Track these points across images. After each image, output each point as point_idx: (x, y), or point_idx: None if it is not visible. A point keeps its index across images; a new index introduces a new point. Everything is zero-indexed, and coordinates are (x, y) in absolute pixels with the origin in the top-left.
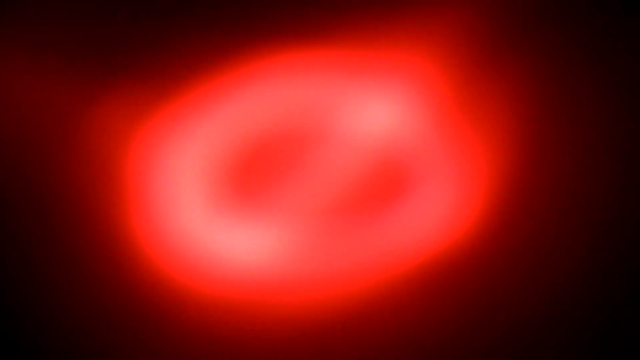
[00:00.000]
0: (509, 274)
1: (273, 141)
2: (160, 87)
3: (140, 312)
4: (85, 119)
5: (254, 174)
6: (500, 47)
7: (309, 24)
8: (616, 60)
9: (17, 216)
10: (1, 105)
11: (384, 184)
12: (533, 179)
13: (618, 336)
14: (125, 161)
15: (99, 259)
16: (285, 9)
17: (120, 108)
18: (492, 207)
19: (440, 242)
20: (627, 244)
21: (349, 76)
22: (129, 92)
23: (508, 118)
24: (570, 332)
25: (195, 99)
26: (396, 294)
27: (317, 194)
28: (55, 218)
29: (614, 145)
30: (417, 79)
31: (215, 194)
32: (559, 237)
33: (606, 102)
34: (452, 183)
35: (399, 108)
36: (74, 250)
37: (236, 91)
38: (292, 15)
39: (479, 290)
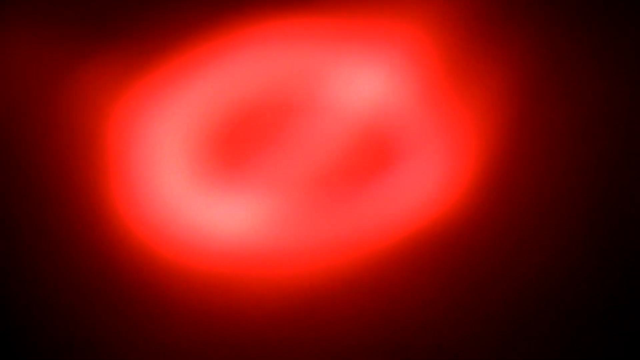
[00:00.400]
0: (497, 247)
1: (258, 111)
2: (142, 55)
3: (122, 285)
4: (65, 87)
5: (238, 145)
6: (493, 16)
7: None
8: (611, 35)
9: None
10: None
11: (372, 155)
12: (522, 151)
13: (608, 307)
14: (106, 130)
15: (79, 230)
16: None
17: (102, 76)
18: (480, 180)
19: (429, 215)
20: (616, 216)
21: (337, 44)
22: (110, 60)
23: (499, 90)
24: (560, 306)
25: (178, 67)
26: (383, 267)
27: (303, 165)
28: (34, 188)
29: (606, 118)
30: (407, 49)
31: (198, 164)
32: (547, 210)
33: (600, 75)
34: (441, 155)
35: (388, 78)
36: (54, 220)
37: (221, 59)
38: None
39: (467, 263)
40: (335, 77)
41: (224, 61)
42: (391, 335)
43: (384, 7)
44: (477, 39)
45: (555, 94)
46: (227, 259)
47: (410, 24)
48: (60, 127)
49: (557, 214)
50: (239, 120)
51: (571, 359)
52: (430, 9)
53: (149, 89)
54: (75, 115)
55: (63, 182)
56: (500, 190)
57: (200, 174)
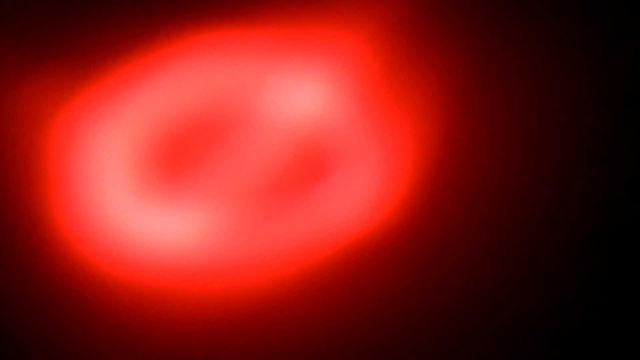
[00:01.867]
0: (434, 254)
1: (197, 123)
2: (82, 68)
3: (62, 300)
4: (5, 100)
5: (178, 158)
6: (428, 26)
7: (231, 1)
8: (545, 33)
9: None
10: None
11: (309, 166)
12: (457, 162)
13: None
14: (46, 144)
15: (19, 244)
16: None
17: (41, 89)
18: (417, 188)
19: (367, 224)
20: (552, 223)
21: (272, 56)
22: (50, 73)
23: (434, 99)
24: (496, 317)
25: (118, 81)
26: (321, 278)
27: (242, 178)
28: None
29: (543, 126)
30: (342, 59)
31: (138, 178)
32: (484, 217)
33: (536, 78)
34: (377, 166)
35: (323, 89)
36: None
37: (159, 72)
38: None
39: (404, 271)
40: (272, 88)
41: (162, 74)
42: (331, 347)
43: (318, 17)
44: (411, 47)
45: (491, 102)
46: (168, 273)
47: (344, 34)
48: (1, 140)
49: (494, 221)
50: (178, 133)
51: None
52: (364, 19)
53: (89, 102)
54: (15, 127)
55: (2, 195)
56: (436, 198)
57: (141, 187)
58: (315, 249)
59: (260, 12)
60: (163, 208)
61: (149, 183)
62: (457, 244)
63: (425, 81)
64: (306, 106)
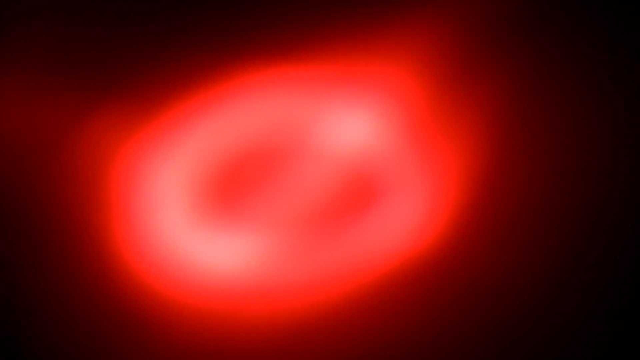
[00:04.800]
0: (476, 283)
1: (252, 155)
2: (143, 104)
3: (125, 326)
4: (70, 134)
5: (234, 188)
6: (476, 60)
7: (283, 41)
8: (594, 67)
9: (1, 231)
10: None
11: (357, 195)
12: (502, 190)
13: (595, 341)
14: (109, 176)
15: (84, 274)
16: (262, 26)
17: (104, 124)
18: (461, 217)
19: (411, 251)
20: (601, 251)
21: (324, 91)
22: (112, 108)
23: (479, 130)
24: (544, 341)
25: (178, 116)
26: (367, 302)
27: (293, 206)
28: (39, 233)
29: (591, 154)
30: (389, 92)
31: (197, 207)
32: (528, 247)
33: (585, 110)
34: (423, 194)
35: (372, 121)
36: (59, 265)
37: (217, 107)
38: (269, 32)
39: (446, 299)
40: (323, 121)
41: (220, 109)
42: None
43: (367, 52)
44: (456, 80)
45: (539, 133)
46: (226, 296)
47: (391, 68)
48: (66, 173)
49: (542, 249)
50: (234, 165)
51: None
52: (410, 54)
53: (151, 137)
54: (81, 161)
55: (68, 227)
56: (480, 225)
57: (199, 216)
58: (362, 274)
59: (313, 50)
60: (220, 235)
61: (208, 212)
62: (500, 270)
63: (470, 112)
64: (355, 138)
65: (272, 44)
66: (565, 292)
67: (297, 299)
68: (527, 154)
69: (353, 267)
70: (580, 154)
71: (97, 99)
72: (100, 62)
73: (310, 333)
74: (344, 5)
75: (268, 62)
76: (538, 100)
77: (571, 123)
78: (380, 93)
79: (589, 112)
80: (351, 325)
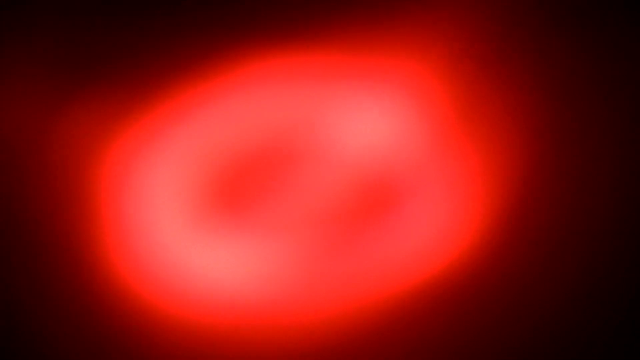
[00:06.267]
0: (506, 296)
1: (258, 154)
2: (137, 97)
3: (114, 339)
4: (56, 130)
5: (238, 189)
6: (503, 54)
7: (296, 26)
8: (630, 67)
9: None
10: None
11: (377, 200)
12: (534, 195)
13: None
14: (98, 175)
15: (72, 281)
16: (272, 10)
17: (95, 118)
18: (490, 227)
19: (436, 261)
20: (634, 262)
21: (340, 84)
22: (103, 101)
23: (510, 131)
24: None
25: (174, 109)
26: (391, 315)
27: (305, 210)
28: (23, 235)
29: (624, 161)
30: (413, 88)
31: (196, 211)
32: (561, 257)
33: (617, 114)
34: (449, 199)
35: (391, 119)
36: (44, 272)
37: (218, 100)
38: (280, 17)
39: (473, 316)
40: (337, 117)
41: (221, 102)
42: None
43: (388, 45)
44: (485, 77)
45: (570, 134)
46: (228, 310)
47: (414, 61)
48: (51, 173)
49: (573, 260)
50: (238, 164)
51: None
52: (436, 47)
53: (144, 131)
54: (67, 159)
55: (54, 228)
56: (511, 236)
57: (199, 220)
58: (380, 288)
59: (327, 39)
60: (223, 242)
61: (208, 216)
62: (532, 285)
63: (498, 112)
64: (373, 137)
65: (281, 30)
66: (601, 305)
67: (305, 315)
68: (560, 156)
69: (369, 282)
70: (617, 157)
71: (86, 90)
72: (93, 51)
73: (320, 353)
74: None
75: (276, 51)
76: (571, 99)
77: (608, 123)
78: (401, 89)
79: (626, 111)
80: (364, 344)
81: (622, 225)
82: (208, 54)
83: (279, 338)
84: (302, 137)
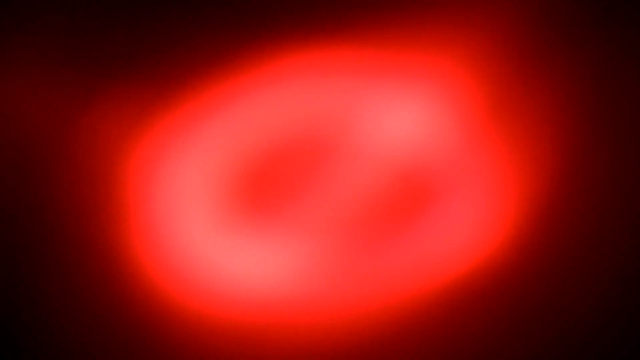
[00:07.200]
0: (541, 294)
1: (287, 151)
2: (163, 93)
3: (143, 337)
4: (83, 127)
5: (266, 188)
6: (539, 50)
7: (327, 20)
8: None
9: (10, 232)
10: None
11: (408, 198)
12: (569, 196)
13: None
14: (126, 172)
15: (99, 278)
16: (302, 4)
17: (121, 115)
18: (524, 225)
19: (470, 259)
20: None
21: (370, 79)
22: (129, 99)
23: (545, 129)
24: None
25: (202, 105)
26: (419, 316)
27: (334, 209)
28: (51, 233)
29: None
30: (445, 84)
31: (223, 209)
32: (596, 251)
33: None
34: (482, 199)
35: (426, 116)
36: (71, 270)
37: (246, 96)
38: (310, 11)
39: (507, 313)
40: (368, 113)
41: (250, 98)
42: None
43: (420, 39)
44: (520, 73)
45: (607, 133)
46: (256, 308)
47: (448, 57)
48: (78, 170)
49: (609, 260)
50: (266, 160)
51: None
52: (469, 42)
53: (170, 129)
54: (94, 157)
55: (81, 227)
56: (546, 233)
57: (226, 218)
58: (413, 286)
59: (360, 33)
60: (251, 240)
61: (236, 214)
62: (566, 285)
63: (534, 109)
64: (406, 132)
65: (312, 24)
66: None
67: (334, 315)
68: (594, 152)
69: (401, 281)
70: None
71: (112, 88)
72: (120, 50)
73: (348, 353)
74: None
75: (307, 45)
76: (609, 97)
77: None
78: (434, 85)
79: None
80: (397, 343)
81: None
82: (236, 50)
83: (305, 337)
84: (332, 134)
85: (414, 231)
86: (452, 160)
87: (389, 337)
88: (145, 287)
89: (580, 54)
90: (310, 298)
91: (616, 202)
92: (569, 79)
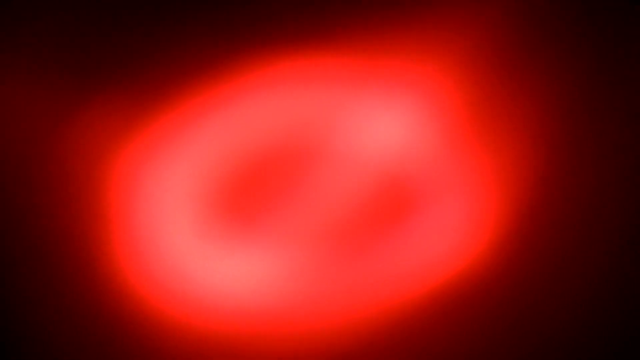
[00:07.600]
0: (523, 302)
1: (271, 159)
2: (146, 102)
3: (124, 346)
4: (66, 135)
5: (249, 195)
6: (520, 57)
7: (309, 29)
8: None
9: None
10: None
11: (391, 206)
12: (550, 201)
13: None
14: (109, 181)
15: (80, 287)
16: (284, 13)
17: (105, 124)
18: (507, 231)
19: (451, 268)
20: None
21: (354, 87)
22: (113, 107)
23: (526, 136)
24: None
25: (186, 114)
26: (403, 324)
27: (318, 217)
28: (32, 241)
29: None
30: (428, 91)
31: (206, 217)
32: (576, 261)
33: (634, 118)
34: (464, 205)
35: (408, 123)
36: (52, 277)
37: (230, 105)
38: (294, 19)
39: (491, 318)
40: (351, 121)
41: (233, 107)
42: None
43: (403, 47)
44: (502, 81)
45: (587, 141)
46: (240, 318)
47: (430, 64)
48: (62, 177)
49: (588, 267)
50: (249, 169)
51: None
52: (451, 50)
53: (154, 137)
54: (78, 164)
55: (63, 234)
56: (528, 238)
57: (209, 227)
58: (397, 293)
59: (340, 40)
60: (234, 249)
61: (218, 223)
62: (551, 291)
63: (512, 116)
64: (388, 140)
65: (293, 33)
66: (617, 311)
67: (319, 324)
68: (575, 159)
69: (384, 288)
70: (634, 161)
71: (96, 96)
72: (103, 56)
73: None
74: None
75: (288, 54)
76: (587, 102)
77: (624, 126)
78: (415, 93)
79: None
80: (381, 351)
81: (639, 231)
82: (220, 58)
83: (289, 347)
84: (315, 142)
85: (397, 239)
86: (434, 167)
87: (374, 345)
88: (127, 297)
89: (561, 62)
90: (295, 307)
91: (598, 207)
92: (549, 86)
